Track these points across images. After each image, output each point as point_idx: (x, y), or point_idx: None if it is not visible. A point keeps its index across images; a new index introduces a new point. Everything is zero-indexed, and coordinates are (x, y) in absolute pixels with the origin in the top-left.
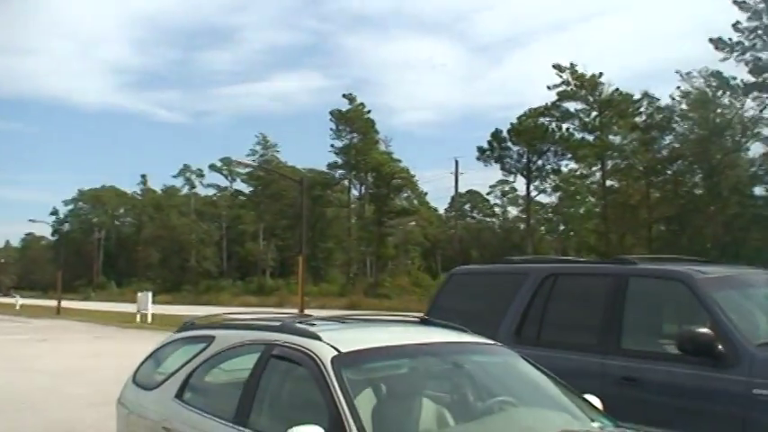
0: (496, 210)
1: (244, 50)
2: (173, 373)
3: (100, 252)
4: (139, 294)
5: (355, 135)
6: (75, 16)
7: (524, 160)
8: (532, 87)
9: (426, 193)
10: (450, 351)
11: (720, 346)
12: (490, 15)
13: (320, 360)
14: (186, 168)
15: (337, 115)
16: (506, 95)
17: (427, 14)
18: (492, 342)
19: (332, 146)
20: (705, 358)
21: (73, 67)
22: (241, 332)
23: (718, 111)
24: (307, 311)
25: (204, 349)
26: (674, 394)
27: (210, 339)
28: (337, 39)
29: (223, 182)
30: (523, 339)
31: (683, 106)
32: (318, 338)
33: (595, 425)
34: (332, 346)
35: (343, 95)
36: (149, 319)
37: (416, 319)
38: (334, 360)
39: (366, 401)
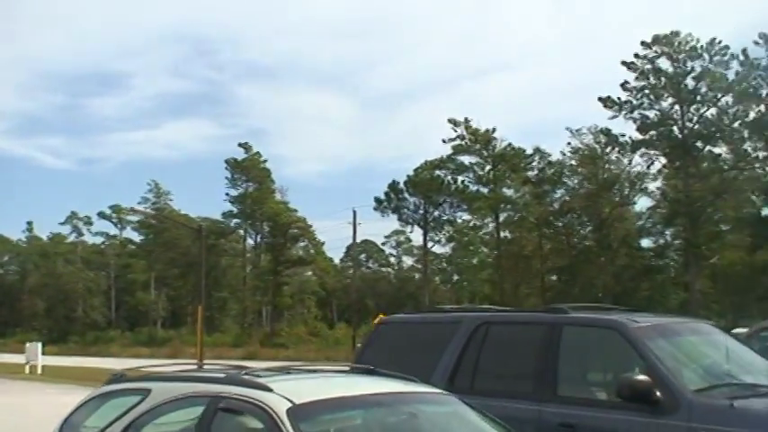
0: (391, 260)
1: (134, 97)
2: (104, 429)
3: None
4: (28, 345)
5: (251, 184)
6: None
7: (421, 211)
8: (424, 141)
9: (323, 243)
10: (402, 401)
11: (659, 393)
12: (383, 70)
13: (274, 412)
14: (74, 215)
15: (233, 164)
16: (399, 148)
17: (321, 67)
18: (441, 391)
19: (227, 194)
20: (643, 405)
21: None
22: (181, 384)
23: (607, 166)
24: (205, 361)
25: (139, 403)
26: None
27: (146, 392)
28: (231, 88)
29: (112, 230)
30: (457, 388)
31: (573, 162)
32: (269, 390)
33: None
34: (285, 398)
35: (239, 144)
36: (39, 371)
37: (363, 368)
38: (289, 412)
39: None
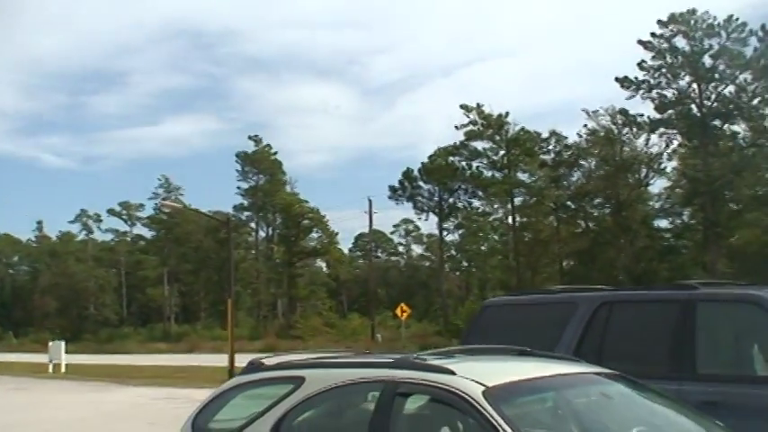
0: (400, 249)
1: (134, 94)
2: (255, 419)
3: None
4: (51, 344)
5: (262, 176)
6: None
7: (436, 198)
8: (427, 128)
9: (337, 234)
10: (589, 381)
11: None
12: (381, 60)
13: (469, 396)
14: (83, 213)
15: (243, 157)
16: (402, 136)
17: (319, 59)
18: (618, 372)
19: (238, 188)
20: None
21: None
22: (342, 371)
23: (624, 148)
24: (224, 356)
25: (293, 391)
26: (766, 417)
27: (299, 380)
28: (230, 83)
29: (122, 226)
30: None
31: (590, 144)
32: (453, 373)
33: None
34: (475, 381)
35: (249, 137)
36: (63, 369)
37: (518, 349)
38: (485, 395)
39: None
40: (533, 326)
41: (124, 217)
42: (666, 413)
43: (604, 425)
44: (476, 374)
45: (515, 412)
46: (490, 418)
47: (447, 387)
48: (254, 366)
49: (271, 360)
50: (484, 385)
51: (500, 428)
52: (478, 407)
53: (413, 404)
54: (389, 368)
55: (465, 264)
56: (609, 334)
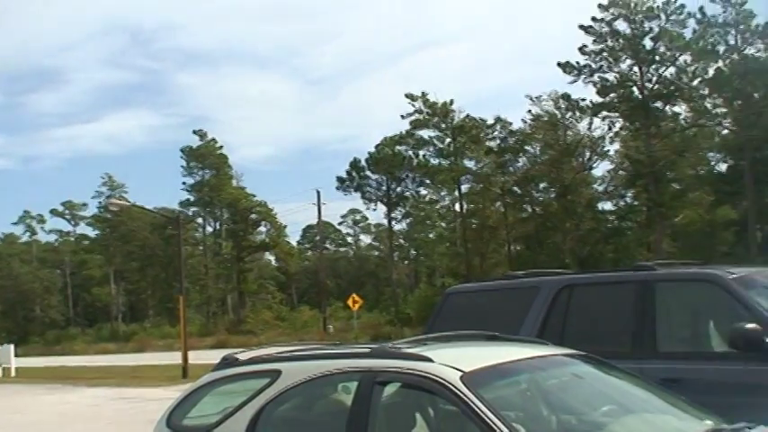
0: (348, 239)
1: (72, 92)
2: (231, 413)
3: None
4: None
5: (207, 171)
6: None
7: (384, 188)
8: (372, 118)
9: (286, 227)
10: (560, 363)
11: None
12: (323, 50)
13: (447, 382)
14: (26, 215)
15: (188, 152)
16: (345, 127)
17: (259, 50)
18: (586, 353)
19: (183, 183)
20: (755, 353)
21: None
22: (319, 362)
23: (568, 132)
24: (175, 353)
25: (270, 384)
26: (726, 392)
27: (275, 373)
28: (169, 77)
29: (66, 226)
30: None
31: (534, 129)
32: (430, 360)
33: (709, 422)
34: (452, 367)
35: (194, 132)
36: (13, 373)
37: (488, 334)
38: (463, 380)
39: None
40: (497, 311)
41: (67, 217)
42: (634, 391)
43: (577, 404)
44: (452, 360)
45: (493, 396)
46: (470, 403)
47: (426, 374)
48: (228, 362)
49: (244, 355)
50: (461, 371)
51: (479, 412)
52: (458, 392)
53: (391, 393)
54: (367, 358)
55: (413, 252)
56: (570, 316)
